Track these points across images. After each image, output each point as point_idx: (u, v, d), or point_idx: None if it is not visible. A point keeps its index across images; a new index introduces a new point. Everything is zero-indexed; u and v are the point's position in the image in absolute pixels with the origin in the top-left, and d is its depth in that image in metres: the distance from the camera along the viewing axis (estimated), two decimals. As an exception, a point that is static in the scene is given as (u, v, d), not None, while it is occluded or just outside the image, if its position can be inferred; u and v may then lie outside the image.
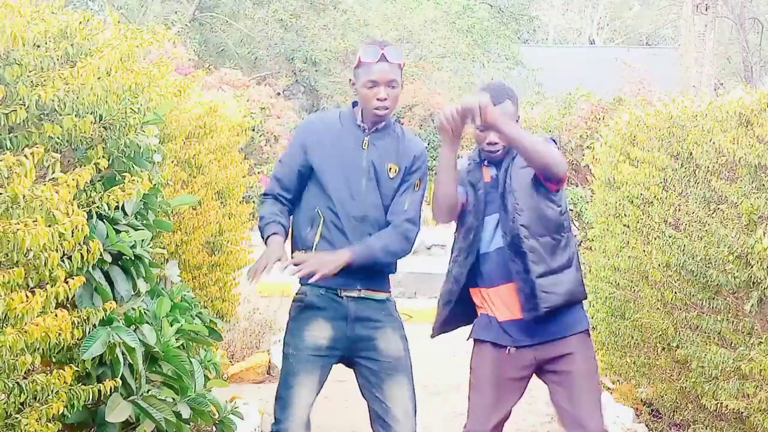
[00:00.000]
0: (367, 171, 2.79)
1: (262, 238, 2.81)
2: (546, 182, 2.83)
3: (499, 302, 2.88)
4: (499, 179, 2.88)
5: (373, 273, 2.83)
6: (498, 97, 2.84)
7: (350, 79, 2.88)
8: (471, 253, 2.90)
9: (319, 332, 2.81)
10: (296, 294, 2.91)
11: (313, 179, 2.82)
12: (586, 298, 2.98)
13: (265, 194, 2.89)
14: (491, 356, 2.88)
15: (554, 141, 2.89)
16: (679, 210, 3.66)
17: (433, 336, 3.09)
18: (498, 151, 2.89)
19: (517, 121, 2.90)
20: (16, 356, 2.10)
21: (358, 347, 2.82)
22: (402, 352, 2.85)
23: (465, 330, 3.04)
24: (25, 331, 2.08)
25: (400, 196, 2.83)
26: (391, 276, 2.97)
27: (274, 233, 2.77)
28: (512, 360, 2.86)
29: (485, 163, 2.93)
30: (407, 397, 2.82)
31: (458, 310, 2.98)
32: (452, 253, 3.01)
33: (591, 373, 2.87)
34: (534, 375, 2.95)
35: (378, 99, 2.76)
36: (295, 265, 2.68)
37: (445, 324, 3.04)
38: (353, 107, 2.89)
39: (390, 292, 2.93)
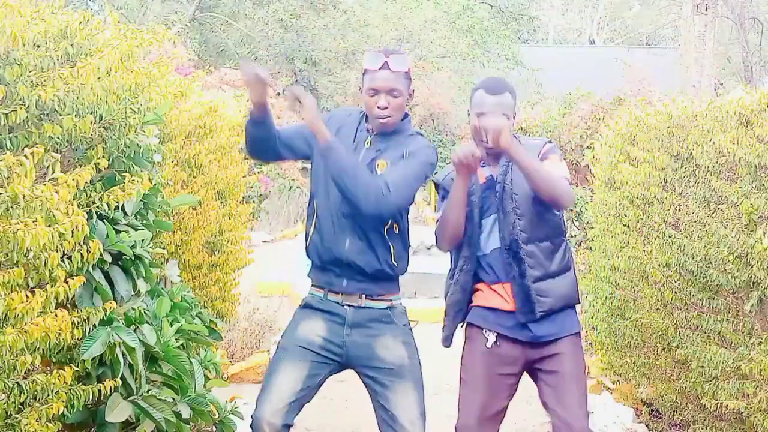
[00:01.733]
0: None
1: (247, 123, 2.82)
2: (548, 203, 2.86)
3: (499, 296, 2.89)
4: (497, 180, 2.87)
5: (377, 277, 2.81)
6: (498, 89, 2.85)
7: (360, 87, 2.89)
8: (472, 258, 2.91)
9: (313, 327, 2.81)
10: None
11: (315, 165, 2.85)
12: (579, 303, 3.00)
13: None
14: (481, 351, 2.89)
15: (555, 149, 2.91)
16: (679, 210, 3.65)
17: (449, 346, 3.07)
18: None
19: (514, 116, 2.90)
20: (16, 356, 2.10)
21: (356, 355, 2.80)
22: (405, 359, 2.81)
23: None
24: (25, 331, 2.08)
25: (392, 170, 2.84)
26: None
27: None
28: (502, 355, 2.87)
29: (481, 165, 2.90)
30: (413, 405, 2.78)
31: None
32: (456, 261, 2.99)
33: (578, 374, 2.89)
34: (526, 374, 2.96)
35: (378, 107, 2.75)
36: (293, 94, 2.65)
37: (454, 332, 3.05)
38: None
39: (396, 293, 2.89)
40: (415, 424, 2.77)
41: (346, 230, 2.77)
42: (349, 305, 2.80)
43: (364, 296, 2.81)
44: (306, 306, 2.88)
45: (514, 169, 2.83)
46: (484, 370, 2.88)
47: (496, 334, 2.88)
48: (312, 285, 2.91)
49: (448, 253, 3.05)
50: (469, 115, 2.91)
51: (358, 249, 2.77)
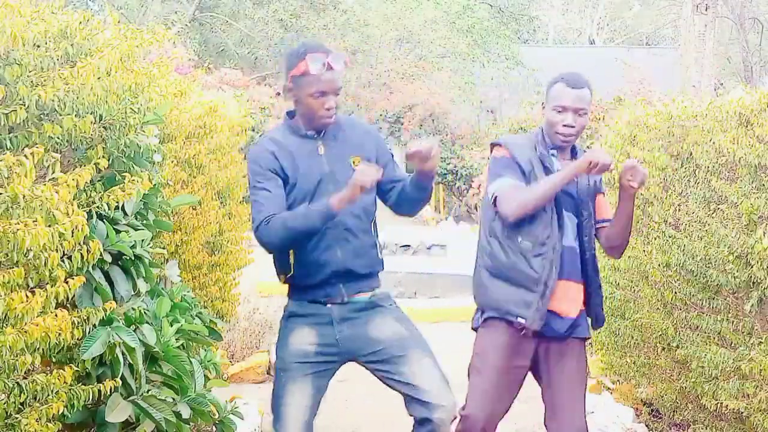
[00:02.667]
0: (332, 175, 2.74)
1: (313, 222, 2.63)
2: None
3: (559, 296, 2.87)
4: (574, 182, 2.88)
5: (356, 276, 2.78)
6: (579, 83, 2.86)
7: (285, 86, 2.77)
8: (557, 245, 2.84)
9: (304, 339, 2.77)
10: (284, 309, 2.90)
11: (288, 198, 2.76)
12: None
13: (266, 217, 2.68)
14: (503, 341, 2.87)
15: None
16: (679, 210, 3.65)
17: (539, 327, 2.86)
18: (572, 135, 2.87)
19: (586, 113, 2.90)
20: (16, 356, 2.10)
21: (353, 347, 2.78)
22: (403, 332, 2.78)
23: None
24: (25, 331, 2.08)
25: (391, 170, 2.85)
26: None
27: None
28: (518, 347, 2.87)
29: (553, 154, 2.91)
30: (431, 369, 2.73)
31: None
32: (539, 242, 2.83)
33: (582, 378, 2.93)
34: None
35: (326, 109, 2.71)
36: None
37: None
38: (291, 118, 2.82)
39: (377, 286, 2.85)
40: (440, 387, 2.70)
41: (336, 241, 2.74)
42: (332, 303, 2.78)
43: (346, 295, 2.78)
44: (290, 316, 2.83)
45: (582, 175, 2.86)
46: (503, 360, 2.87)
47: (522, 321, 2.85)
48: (301, 299, 2.83)
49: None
50: (543, 107, 2.92)
51: (353, 254, 2.75)
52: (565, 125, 2.83)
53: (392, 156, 2.91)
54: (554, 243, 2.83)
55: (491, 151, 2.97)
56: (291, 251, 2.74)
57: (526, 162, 2.86)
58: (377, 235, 2.87)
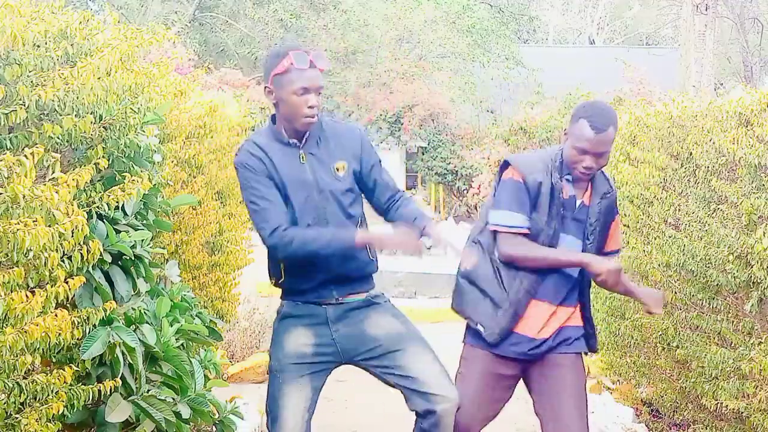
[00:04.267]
0: (315, 183, 2.70)
1: (333, 250, 2.65)
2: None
3: (534, 318, 2.82)
4: (582, 207, 2.84)
5: (348, 279, 2.76)
6: (604, 125, 2.72)
7: (266, 87, 2.72)
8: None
9: (300, 339, 2.75)
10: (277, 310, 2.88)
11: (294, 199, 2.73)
12: None
13: (276, 228, 2.64)
14: (483, 352, 2.87)
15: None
16: (679, 210, 3.66)
17: (498, 342, 2.85)
18: (590, 176, 2.82)
19: (608, 151, 2.81)
20: (16, 356, 2.10)
21: (350, 346, 2.75)
22: (400, 327, 2.77)
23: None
24: (25, 331, 2.08)
25: (379, 177, 2.79)
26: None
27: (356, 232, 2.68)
28: (504, 357, 2.85)
29: (567, 179, 2.82)
30: (430, 362, 2.72)
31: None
32: (504, 267, 2.83)
33: (581, 390, 2.87)
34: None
35: (309, 107, 2.66)
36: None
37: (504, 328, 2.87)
38: (273, 123, 2.76)
39: (371, 288, 2.83)
40: (440, 378, 2.70)
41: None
42: (327, 304, 2.76)
43: (339, 296, 2.76)
44: (285, 317, 2.80)
45: (601, 204, 2.85)
46: (485, 367, 2.85)
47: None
48: (294, 301, 2.82)
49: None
50: (565, 133, 2.81)
51: (344, 258, 2.71)
52: (584, 167, 2.77)
53: (379, 160, 2.83)
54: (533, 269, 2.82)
55: (501, 170, 2.89)
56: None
57: (535, 186, 2.79)
58: None
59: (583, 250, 2.85)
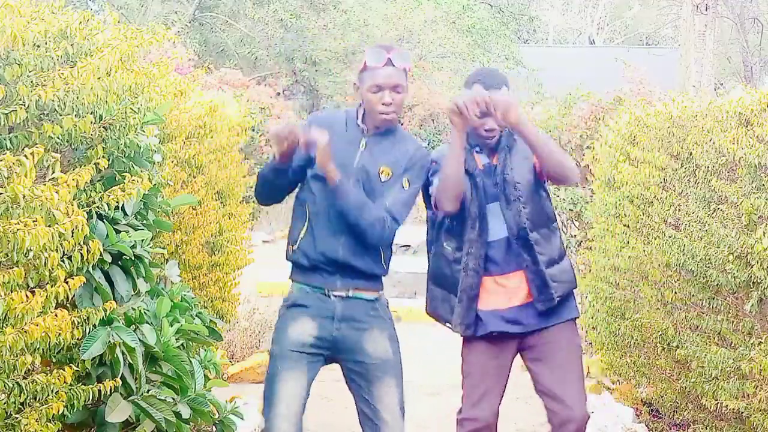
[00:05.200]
0: (358, 172, 2.77)
1: (267, 171, 2.81)
2: (551, 181, 2.89)
3: (504, 289, 2.90)
4: (497, 170, 2.89)
5: (363, 273, 2.80)
6: (495, 83, 2.86)
7: (354, 83, 2.86)
8: (481, 242, 2.88)
9: (303, 328, 2.78)
10: (285, 296, 2.91)
11: (308, 172, 2.81)
12: (576, 287, 3.05)
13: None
14: (484, 346, 2.94)
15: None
16: (679, 210, 3.65)
17: (473, 334, 2.93)
18: (494, 137, 2.90)
19: None
20: (16, 356, 2.10)
21: (344, 348, 2.79)
22: (390, 354, 2.82)
23: None
24: (25, 331, 2.08)
25: (387, 191, 2.80)
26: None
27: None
28: (499, 347, 2.92)
29: (476, 150, 2.93)
30: (395, 400, 2.81)
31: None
32: (458, 246, 2.92)
33: (575, 359, 2.94)
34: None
35: (383, 104, 2.75)
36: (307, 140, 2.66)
37: (475, 317, 2.93)
38: (358, 108, 2.87)
39: (381, 290, 2.88)
40: (396, 419, 2.79)
41: (341, 232, 2.76)
42: (337, 296, 2.78)
43: (351, 288, 2.79)
44: (293, 305, 2.83)
45: (514, 157, 2.87)
46: (485, 361, 2.93)
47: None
48: (299, 284, 2.87)
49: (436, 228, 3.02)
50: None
51: (353, 251, 2.76)
52: (486, 129, 2.87)
53: (419, 185, 2.85)
54: (472, 247, 2.87)
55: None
56: (306, 222, 2.79)
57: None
58: (390, 244, 2.86)
59: (518, 213, 2.86)
